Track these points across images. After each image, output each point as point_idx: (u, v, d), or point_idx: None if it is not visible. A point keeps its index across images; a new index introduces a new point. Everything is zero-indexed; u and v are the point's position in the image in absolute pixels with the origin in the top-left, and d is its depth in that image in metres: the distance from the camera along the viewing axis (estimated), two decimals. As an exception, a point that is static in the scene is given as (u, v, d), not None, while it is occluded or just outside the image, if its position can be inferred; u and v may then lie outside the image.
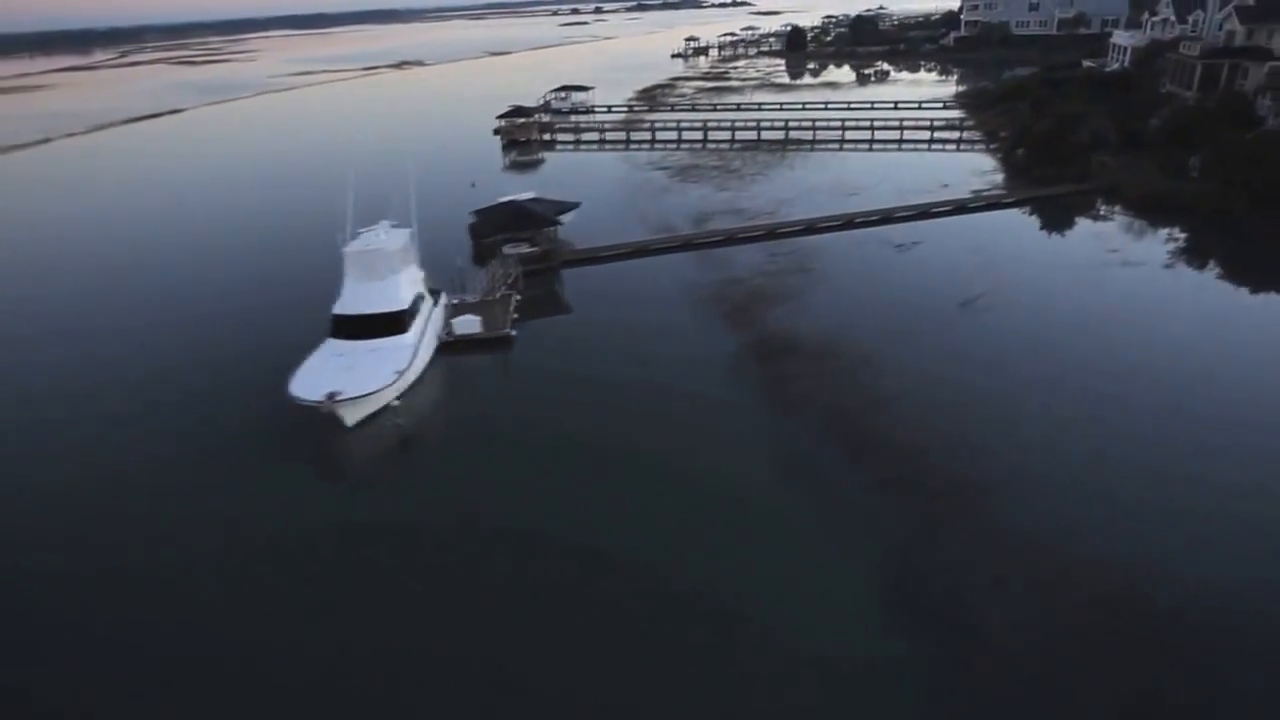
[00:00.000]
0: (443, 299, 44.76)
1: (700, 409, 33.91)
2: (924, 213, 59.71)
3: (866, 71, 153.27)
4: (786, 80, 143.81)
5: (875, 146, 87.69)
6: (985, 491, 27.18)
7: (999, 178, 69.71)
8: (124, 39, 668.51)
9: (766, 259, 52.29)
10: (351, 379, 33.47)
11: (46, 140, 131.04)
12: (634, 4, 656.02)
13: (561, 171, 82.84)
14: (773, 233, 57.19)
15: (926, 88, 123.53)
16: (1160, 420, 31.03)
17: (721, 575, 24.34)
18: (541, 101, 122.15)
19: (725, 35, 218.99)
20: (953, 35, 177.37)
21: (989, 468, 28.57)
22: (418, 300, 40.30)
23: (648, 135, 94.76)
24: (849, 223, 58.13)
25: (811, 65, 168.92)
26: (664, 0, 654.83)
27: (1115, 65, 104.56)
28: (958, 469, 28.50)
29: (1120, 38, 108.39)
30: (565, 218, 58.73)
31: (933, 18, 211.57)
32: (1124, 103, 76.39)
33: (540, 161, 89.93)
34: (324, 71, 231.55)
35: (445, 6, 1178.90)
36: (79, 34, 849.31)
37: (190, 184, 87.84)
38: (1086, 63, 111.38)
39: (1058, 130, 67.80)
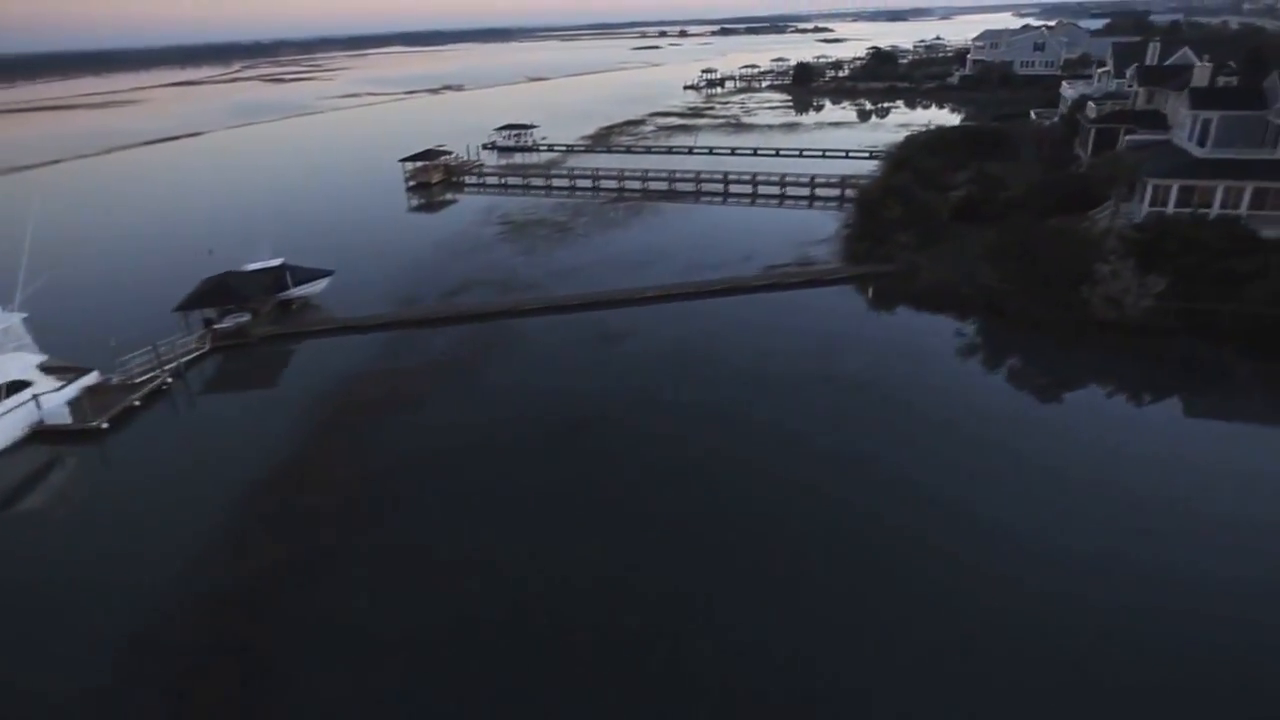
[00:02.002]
0: (87, 379, 42.64)
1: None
2: (693, 293, 53.18)
3: (851, 110, 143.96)
4: (754, 120, 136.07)
5: (758, 201, 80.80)
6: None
7: (828, 249, 61.86)
8: (261, 53, 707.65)
9: (459, 343, 47.58)
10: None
11: (56, 162, 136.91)
12: (717, 28, 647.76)
13: (405, 224, 79.68)
14: (510, 311, 52.15)
15: (885, 132, 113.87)
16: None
17: None
18: (489, 139, 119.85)
19: (745, 67, 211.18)
20: (958, 74, 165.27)
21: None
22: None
23: (568, 181, 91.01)
24: (587, 304, 52.36)
25: (815, 101, 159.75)
26: (749, 24, 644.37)
27: (1057, 117, 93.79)
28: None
29: (1067, 88, 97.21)
30: (313, 286, 55.73)
31: (947, 55, 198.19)
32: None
33: (426, 206, 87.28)
34: (369, 94, 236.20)
35: (552, 25, 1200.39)
36: (225, 47, 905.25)
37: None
38: (1035, 112, 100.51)
39: (879, 200, 59.89)
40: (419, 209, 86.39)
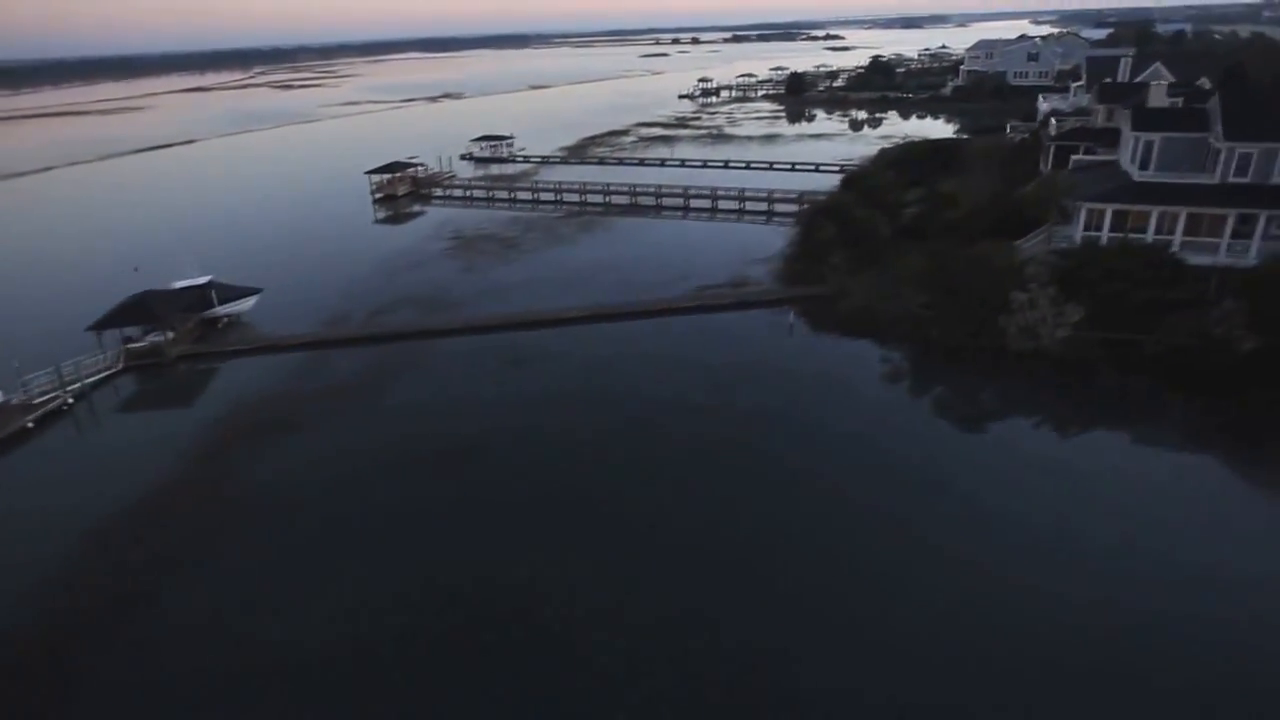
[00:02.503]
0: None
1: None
2: (613, 315, 51.95)
3: (839, 121, 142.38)
4: (737, 132, 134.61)
5: (718, 216, 79.48)
6: None
7: (770, 268, 60.28)
8: (282, 59, 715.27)
9: (369, 365, 46.74)
10: None
11: (49, 169, 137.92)
12: (730, 35, 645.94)
13: (359, 237, 78.86)
14: (427, 332, 51.20)
15: (865, 144, 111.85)
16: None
17: None
18: (466, 150, 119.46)
19: (742, 76, 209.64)
20: (951, 85, 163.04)
21: None
22: None
23: (531, 195, 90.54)
24: (506, 325, 51.28)
25: (807, 112, 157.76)
26: (761, 31, 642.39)
27: (1027, 133, 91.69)
28: None
29: (1042, 102, 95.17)
30: (240, 304, 55.17)
31: (945, 65, 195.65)
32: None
33: (387, 219, 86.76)
34: (369, 102, 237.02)
35: (569, 31, 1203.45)
36: (248, 53, 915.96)
37: None
38: (1011, 126, 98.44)
39: (811, 221, 58.43)
40: (379, 222, 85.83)
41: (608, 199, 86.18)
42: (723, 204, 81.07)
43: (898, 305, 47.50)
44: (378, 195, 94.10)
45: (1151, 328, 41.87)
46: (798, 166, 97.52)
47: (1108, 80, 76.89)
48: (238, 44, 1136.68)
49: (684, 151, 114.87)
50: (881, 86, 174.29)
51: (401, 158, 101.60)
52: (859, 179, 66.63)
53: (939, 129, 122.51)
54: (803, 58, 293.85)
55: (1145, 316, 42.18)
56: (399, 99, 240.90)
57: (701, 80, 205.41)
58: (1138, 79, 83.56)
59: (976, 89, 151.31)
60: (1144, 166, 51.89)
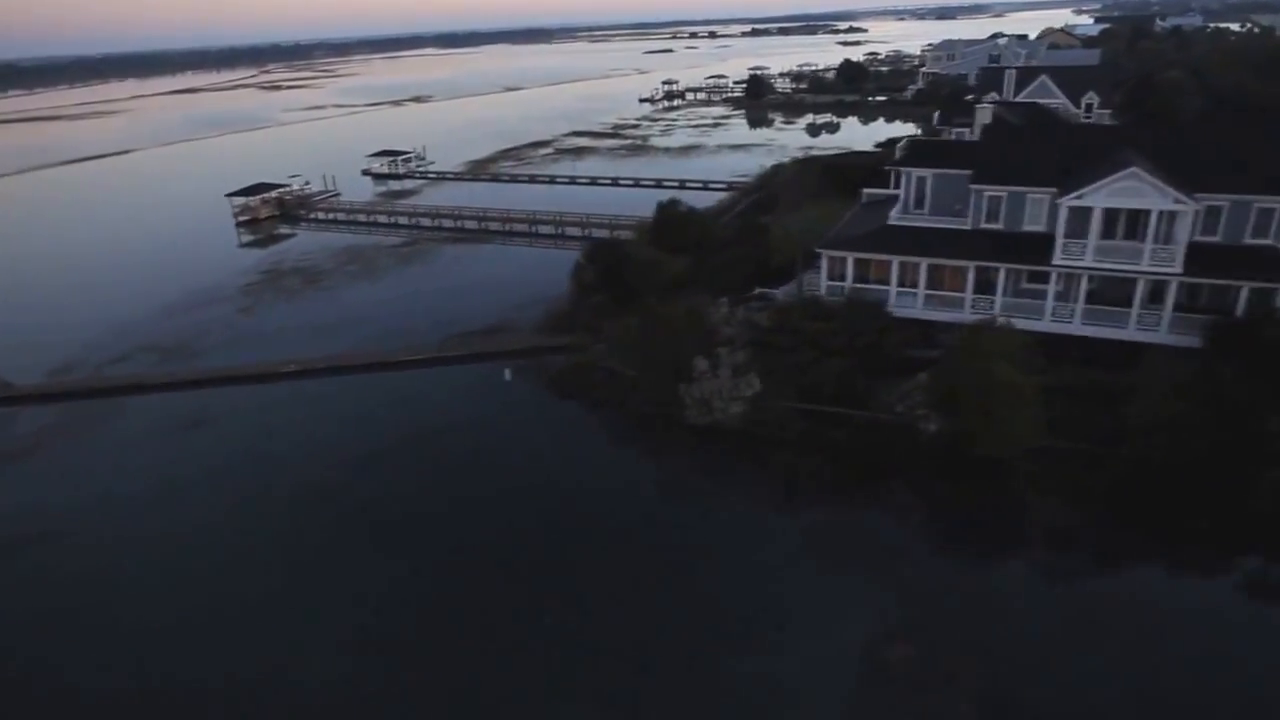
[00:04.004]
0: None
1: None
2: (330, 369, 50.03)
3: (783, 128, 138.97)
4: (663, 142, 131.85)
5: (537, 242, 77.66)
6: None
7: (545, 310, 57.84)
8: (297, 55, 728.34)
9: (49, 424, 45.73)
10: None
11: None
12: (749, 29, 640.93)
13: (175, 269, 77.17)
14: (127, 388, 49.74)
15: (784, 155, 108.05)
16: None
17: None
18: (365, 165, 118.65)
19: (711, 78, 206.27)
20: (911, 89, 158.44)
21: None
22: None
23: (388, 217, 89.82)
24: (211, 380, 49.62)
25: (766, 117, 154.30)
26: (782, 24, 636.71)
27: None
28: None
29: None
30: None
31: (917, 67, 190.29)
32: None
33: (235, 245, 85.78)
34: (335, 106, 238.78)
35: (593, 24, 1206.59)
36: (266, 49, 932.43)
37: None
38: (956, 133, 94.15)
39: (582, 262, 55.88)
40: (241, 246, 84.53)
41: (459, 224, 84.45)
42: (541, 229, 79.11)
43: (617, 366, 44.94)
44: (242, 219, 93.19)
45: (860, 401, 38.79)
46: (663, 183, 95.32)
47: (946, 95, 72.72)
48: (260, 39, 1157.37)
49: (590, 165, 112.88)
50: (843, 90, 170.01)
51: (299, 173, 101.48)
52: (669, 206, 63.22)
53: (896, 134, 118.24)
54: (807, 54, 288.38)
55: (850, 387, 39.09)
56: (366, 102, 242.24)
57: (666, 83, 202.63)
58: (1021, 95, 79.70)
59: (934, 93, 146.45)
60: (917, 206, 48.63)
